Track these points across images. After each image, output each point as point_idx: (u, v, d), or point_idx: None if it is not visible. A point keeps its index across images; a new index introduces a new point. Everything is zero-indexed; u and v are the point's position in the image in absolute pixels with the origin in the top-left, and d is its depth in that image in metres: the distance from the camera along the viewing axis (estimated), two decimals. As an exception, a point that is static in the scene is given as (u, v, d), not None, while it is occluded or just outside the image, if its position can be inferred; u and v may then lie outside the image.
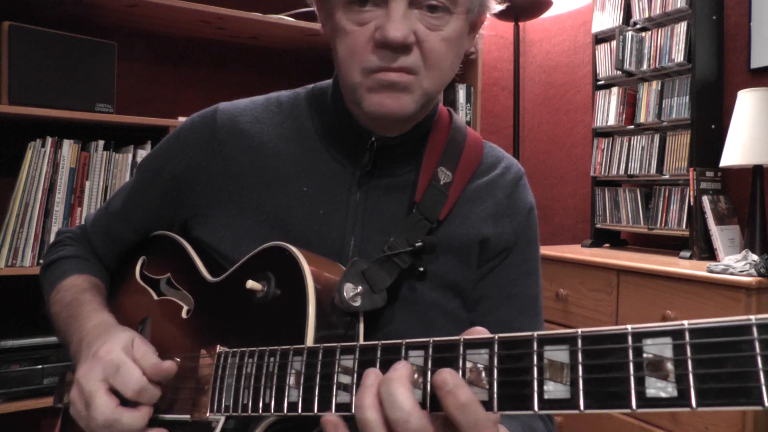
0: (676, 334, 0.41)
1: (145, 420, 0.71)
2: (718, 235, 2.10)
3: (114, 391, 0.71)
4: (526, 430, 0.78)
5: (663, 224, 2.34)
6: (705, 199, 2.13)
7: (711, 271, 1.79)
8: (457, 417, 0.49)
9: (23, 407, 1.76)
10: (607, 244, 2.64)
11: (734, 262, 1.80)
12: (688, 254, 2.15)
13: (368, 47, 0.75)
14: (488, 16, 0.87)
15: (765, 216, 2.02)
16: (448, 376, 0.50)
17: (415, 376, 0.54)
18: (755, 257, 1.81)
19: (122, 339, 0.75)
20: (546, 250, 2.42)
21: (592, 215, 2.66)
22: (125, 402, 0.71)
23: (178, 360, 0.77)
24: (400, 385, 0.52)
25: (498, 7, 0.86)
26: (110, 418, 0.68)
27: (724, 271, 1.77)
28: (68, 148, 1.87)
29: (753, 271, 1.72)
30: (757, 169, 2.04)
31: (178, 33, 2.30)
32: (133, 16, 2.09)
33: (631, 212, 2.48)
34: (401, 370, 0.53)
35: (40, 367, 1.80)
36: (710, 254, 2.11)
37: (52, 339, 1.80)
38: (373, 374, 0.55)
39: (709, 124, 2.26)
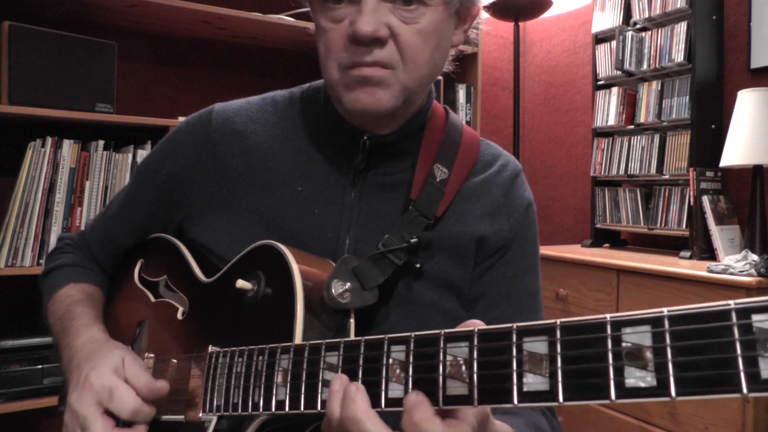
0: (656, 322, 0.41)
1: None
2: (718, 235, 2.09)
3: (109, 413, 0.71)
4: (529, 426, 0.77)
5: (663, 224, 2.34)
6: (705, 199, 2.12)
7: (711, 271, 1.78)
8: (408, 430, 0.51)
9: (23, 407, 1.76)
10: (607, 244, 2.64)
11: (734, 262, 1.79)
12: (688, 254, 2.14)
13: (343, 43, 0.75)
14: (482, 11, 0.86)
15: (765, 216, 2.02)
16: (412, 396, 0.52)
17: (398, 371, 0.54)
18: (755, 257, 1.80)
19: (111, 360, 0.75)
20: (546, 250, 2.41)
21: (592, 215, 2.66)
22: (119, 423, 0.71)
23: (174, 361, 0.77)
24: (367, 419, 0.54)
25: (488, 0, 0.85)
26: None
27: (724, 271, 1.76)
28: (68, 148, 1.88)
29: (753, 271, 1.72)
30: (757, 169, 2.04)
31: (178, 33, 2.30)
32: (133, 16, 2.09)
33: (631, 212, 2.48)
34: (361, 404, 0.55)
35: (40, 367, 1.80)
36: (710, 254, 2.10)
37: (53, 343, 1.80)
38: (338, 381, 0.58)
39: (709, 124, 2.26)
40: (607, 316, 0.42)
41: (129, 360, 0.75)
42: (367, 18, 0.72)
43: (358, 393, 0.55)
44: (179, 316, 0.84)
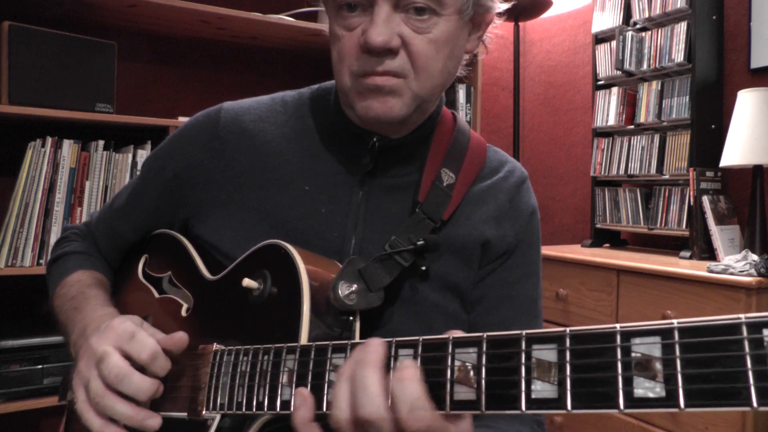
0: (665, 334, 0.40)
1: (153, 389, 0.71)
2: (718, 235, 2.09)
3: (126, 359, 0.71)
4: None
5: (663, 224, 2.34)
6: (705, 199, 2.13)
7: (711, 271, 1.79)
8: (395, 390, 0.52)
9: (23, 407, 1.76)
10: (607, 244, 2.64)
11: (734, 262, 1.79)
12: (688, 254, 2.15)
13: (355, 52, 0.75)
14: (495, 16, 0.85)
15: (765, 216, 2.02)
16: (406, 360, 0.55)
17: None
18: (755, 257, 1.80)
19: (132, 318, 0.77)
20: (546, 250, 2.41)
21: (592, 215, 2.66)
22: None
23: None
24: (372, 369, 0.55)
25: (503, 6, 0.85)
26: (121, 373, 0.69)
27: (724, 271, 1.76)
28: (68, 148, 1.88)
29: (753, 271, 1.72)
30: (757, 169, 2.04)
31: (178, 33, 2.30)
32: (133, 16, 2.09)
33: (631, 212, 2.48)
34: (376, 352, 0.56)
35: (40, 367, 1.80)
36: (710, 254, 2.10)
37: (52, 339, 1.80)
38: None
39: (709, 124, 2.26)
40: (617, 326, 0.42)
41: (147, 324, 0.78)
42: (379, 29, 0.72)
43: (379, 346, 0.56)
44: (183, 312, 0.84)
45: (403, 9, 0.73)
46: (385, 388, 0.53)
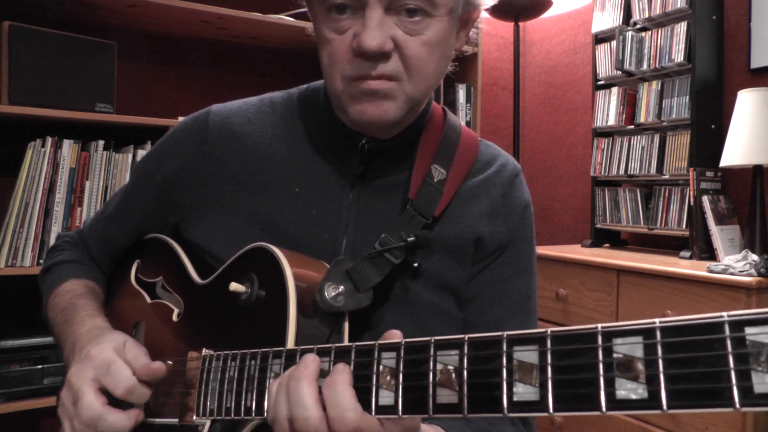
0: (647, 333, 0.40)
1: (130, 423, 0.71)
2: (718, 235, 2.09)
3: (104, 392, 0.71)
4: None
5: (663, 224, 2.33)
6: (705, 199, 2.12)
7: (711, 271, 1.78)
8: (324, 392, 0.56)
9: (23, 407, 1.77)
10: (607, 244, 2.63)
11: (734, 262, 1.79)
12: (688, 254, 2.14)
13: (347, 56, 0.74)
14: (483, 12, 0.84)
15: (765, 216, 2.01)
16: (339, 365, 0.57)
17: (388, 378, 0.54)
18: (755, 257, 1.80)
19: (114, 340, 0.75)
20: (546, 250, 2.41)
21: (592, 215, 2.66)
22: (115, 403, 0.71)
23: (170, 363, 0.77)
24: (306, 383, 0.57)
25: (490, 2, 0.84)
26: (95, 415, 0.69)
27: (724, 271, 1.76)
28: (68, 148, 1.88)
29: (753, 271, 1.71)
30: (757, 169, 2.03)
31: (178, 33, 2.30)
32: (133, 16, 2.09)
33: (631, 212, 2.47)
34: (310, 367, 0.58)
35: (40, 367, 1.80)
36: (710, 254, 2.10)
37: (52, 339, 1.80)
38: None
39: (709, 124, 2.25)
40: (599, 326, 0.42)
41: (130, 343, 0.76)
42: (372, 33, 0.71)
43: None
44: (174, 317, 0.84)
45: (395, 11, 0.72)
46: (317, 399, 0.56)
